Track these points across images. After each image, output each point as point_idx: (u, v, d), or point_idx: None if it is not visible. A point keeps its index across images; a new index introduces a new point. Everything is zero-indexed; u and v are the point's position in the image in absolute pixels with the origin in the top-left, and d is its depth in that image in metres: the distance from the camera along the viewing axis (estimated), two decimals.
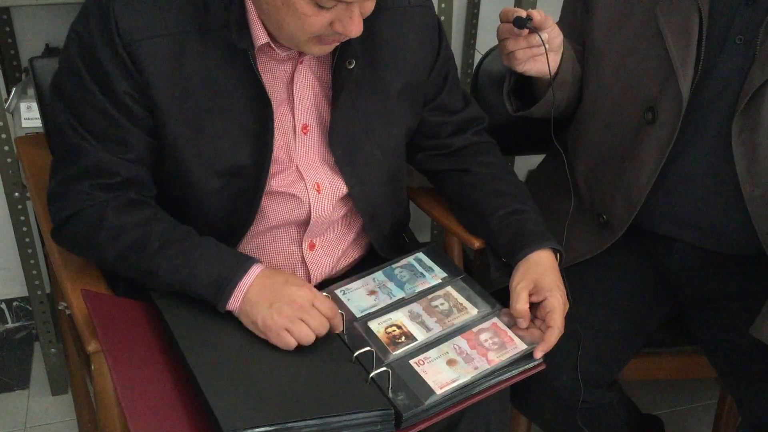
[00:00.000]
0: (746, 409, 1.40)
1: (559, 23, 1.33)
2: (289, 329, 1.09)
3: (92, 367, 1.15)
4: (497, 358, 1.14)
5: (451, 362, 1.13)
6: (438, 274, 1.30)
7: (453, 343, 1.17)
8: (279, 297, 1.10)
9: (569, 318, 1.33)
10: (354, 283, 1.28)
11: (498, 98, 1.51)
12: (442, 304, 1.23)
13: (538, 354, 1.16)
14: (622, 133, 1.38)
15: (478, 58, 1.74)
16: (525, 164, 2.23)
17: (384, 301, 1.24)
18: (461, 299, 1.24)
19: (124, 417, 1.00)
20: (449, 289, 1.27)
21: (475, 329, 1.19)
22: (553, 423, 1.43)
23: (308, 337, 1.09)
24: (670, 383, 2.07)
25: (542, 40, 1.26)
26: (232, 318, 1.13)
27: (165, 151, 1.17)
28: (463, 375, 1.11)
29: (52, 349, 1.92)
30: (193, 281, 1.12)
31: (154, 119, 1.15)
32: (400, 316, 1.21)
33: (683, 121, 1.29)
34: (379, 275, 1.29)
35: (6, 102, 1.68)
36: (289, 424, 0.98)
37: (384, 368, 1.09)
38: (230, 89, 1.15)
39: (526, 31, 1.25)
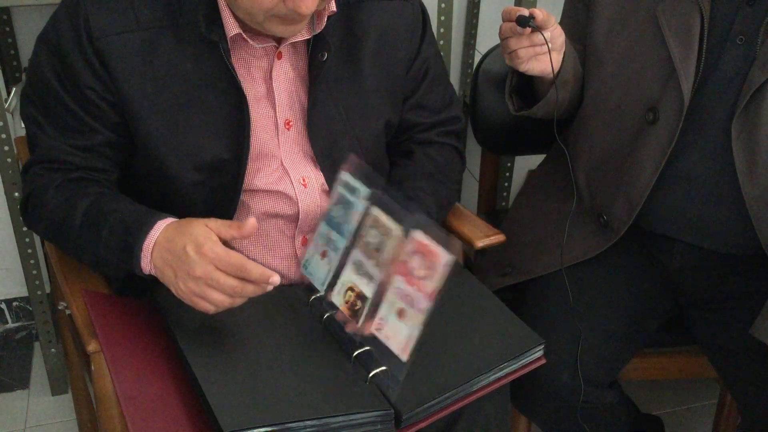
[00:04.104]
0: (746, 409, 1.40)
1: (560, 23, 1.33)
2: (201, 296, 1.04)
3: (92, 367, 1.15)
4: (432, 287, 1.03)
5: (400, 313, 1.05)
6: (363, 194, 1.15)
7: (395, 288, 1.07)
8: (180, 267, 1.04)
9: (570, 317, 1.34)
10: (309, 249, 1.18)
11: (498, 98, 1.51)
12: (374, 237, 1.12)
13: None
14: (622, 133, 1.37)
15: (478, 58, 1.74)
16: (525, 164, 2.23)
17: (333, 259, 1.14)
18: (385, 219, 1.11)
19: (123, 417, 1.00)
20: (375, 211, 1.13)
21: (402, 258, 1.08)
22: (553, 423, 1.43)
23: (222, 302, 1.03)
24: (670, 383, 2.07)
25: (545, 39, 1.26)
26: (232, 317, 1.12)
27: (141, 146, 1.18)
28: (414, 326, 1.03)
29: (52, 349, 1.92)
30: (107, 255, 1.11)
31: (125, 115, 1.16)
32: (349, 276, 1.11)
33: (684, 121, 1.29)
34: (323, 228, 1.17)
35: (6, 102, 1.68)
36: (289, 425, 0.98)
37: (383, 368, 1.08)
38: (205, 83, 1.15)
39: (528, 29, 1.25)
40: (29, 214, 1.22)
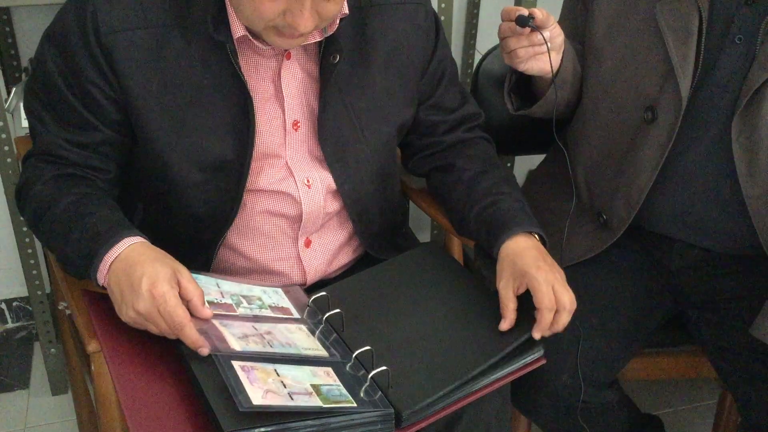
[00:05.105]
0: (746, 409, 1.40)
1: (559, 22, 1.33)
2: (138, 325, 1.05)
3: (92, 367, 1.15)
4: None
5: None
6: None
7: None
8: (127, 294, 1.04)
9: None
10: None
11: (498, 98, 1.51)
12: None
13: (537, 335, 1.15)
14: (621, 133, 1.38)
15: (478, 58, 1.74)
16: (525, 164, 2.23)
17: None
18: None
19: (123, 417, 1.00)
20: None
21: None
22: (553, 423, 1.43)
23: (159, 333, 1.05)
24: (670, 383, 2.07)
25: (544, 39, 1.26)
26: None
27: (143, 144, 1.18)
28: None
29: (52, 349, 1.92)
30: (72, 256, 1.11)
31: (128, 113, 1.16)
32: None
33: (683, 120, 1.29)
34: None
35: (6, 102, 1.68)
36: (289, 425, 0.98)
37: (384, 368, 1.08)
38: (212, 83, 1.16)
39: (528, 29, 1.25)
40: (20, 204, 1.23)
